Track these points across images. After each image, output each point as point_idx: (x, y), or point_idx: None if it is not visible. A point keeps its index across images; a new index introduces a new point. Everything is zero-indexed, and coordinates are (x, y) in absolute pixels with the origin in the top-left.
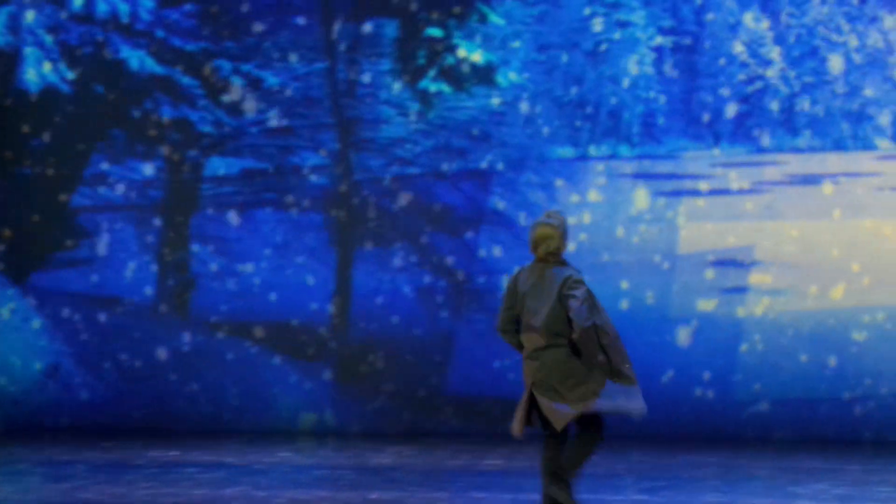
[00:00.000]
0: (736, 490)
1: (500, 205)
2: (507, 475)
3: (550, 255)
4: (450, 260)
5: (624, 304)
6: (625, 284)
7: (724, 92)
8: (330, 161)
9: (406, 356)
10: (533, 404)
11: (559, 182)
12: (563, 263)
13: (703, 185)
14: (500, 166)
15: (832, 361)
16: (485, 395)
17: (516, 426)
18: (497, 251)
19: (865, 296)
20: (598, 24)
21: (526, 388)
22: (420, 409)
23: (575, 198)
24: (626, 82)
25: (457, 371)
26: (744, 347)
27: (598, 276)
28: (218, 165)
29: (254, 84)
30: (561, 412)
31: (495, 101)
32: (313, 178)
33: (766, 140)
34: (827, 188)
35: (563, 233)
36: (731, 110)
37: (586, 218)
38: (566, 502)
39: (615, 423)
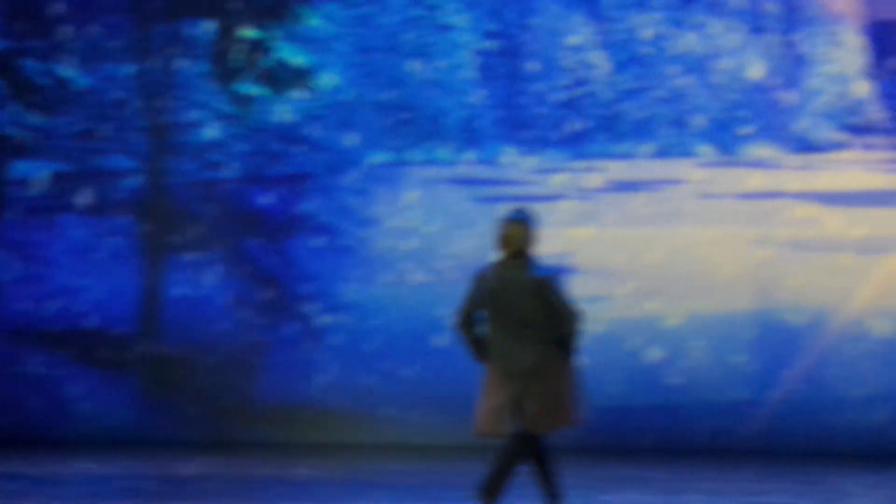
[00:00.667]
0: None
1: (317, 210)
2: (317, 485)
3: (520, 252)
4: (264, 266)
5: (440, 312)
6: (443, 290)
7: (548, 97)
8: (141, 165)
9: (216, 364)
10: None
11: (377, 187)
12: (533, 260)
13: (524, 191)
14: (316, 171)
15: (646, 368)
16: (296, 404)
17: (497, 426)
18: (313, 257)
19: (686, 302)
20: (419, 27)
21: (493, 383)
22: (229, 418)
23: (394, 203)
24: (447, 86)
25: (268, 380)
26: None
27: (419, 281)
28: (23, 168)
29: (62, 85)
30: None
31: (313, 104)
32: (123, 182)
33: (588, 146)
34: (648, 195)
35: (532, 230)
36: (553, 116)
37: (405, 224)
38: None
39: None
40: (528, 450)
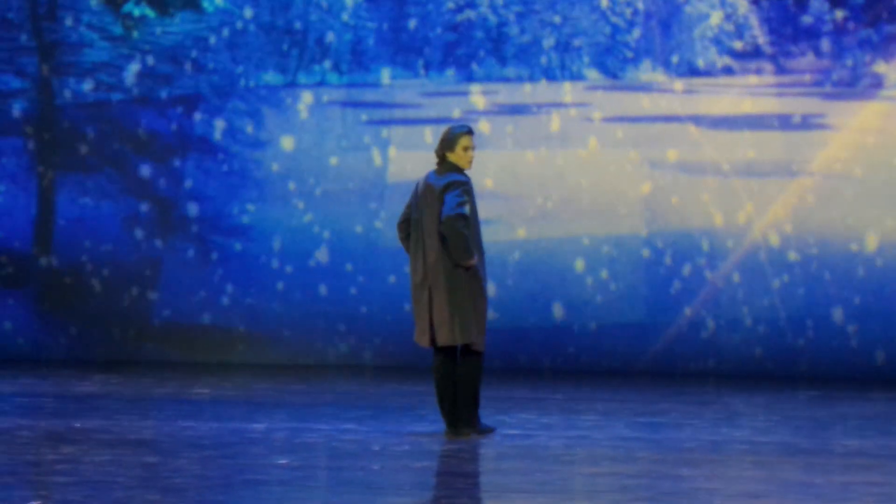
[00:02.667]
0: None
1: (207, 131)
2: (214, 404)
3: (439, 159)
4: (155, 186)
5: (327, 234)
6: (333, 210)
7: (434, 20)
8: (32, 85)
9: (111, 284)
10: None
11: (266, 109)
12: (453, 170)
13: (412, 114)
14: (206, 93)
15: (540, 290)
16: (191, 323)
17: (419, 336)
18: (203, 178)
19: (572, 225)
20: None
21: (420, 290)
22: (126, 338)
23: (283, 125)
24: (335, 9)
25: (162, 299)
26: None
27: (306, 205)
28: None
29: None
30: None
31: (201, 26)
32: (13, 102)
33: (475, 69)
34: (535, 118)
35: (444, 139)
36: (440, 39)
37: (293, 146)
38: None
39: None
40: (443, 364)
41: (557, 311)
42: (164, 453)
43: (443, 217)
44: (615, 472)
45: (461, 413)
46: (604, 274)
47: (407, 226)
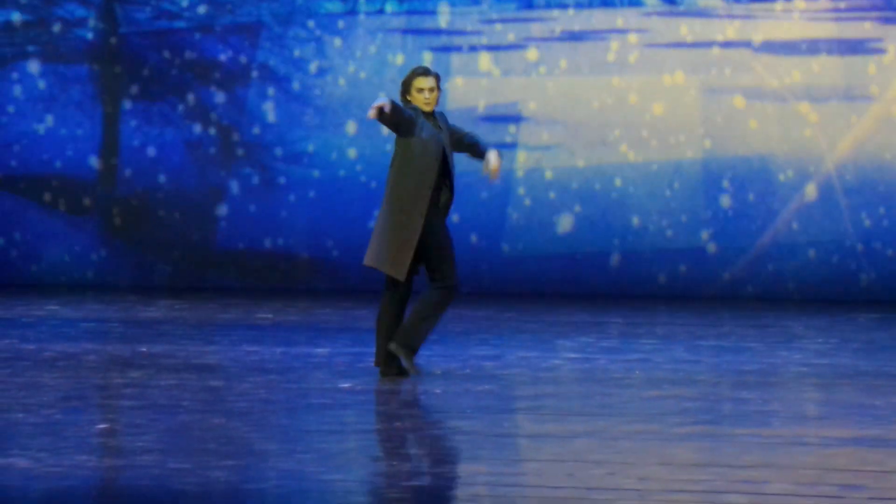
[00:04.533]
0: (505, 343)
1: (269, 60)
2: (277, 329)
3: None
4: (219, 114)
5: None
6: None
7: None
8: (95, 14)
9: (175, 210)
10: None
11: (328, 37)
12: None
13: (473, 41)
14: (267, 20)
15: (599, 217)
16: (255, 250)
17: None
18: (266, 106)
19: (634, 152)
20: None
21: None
22: (191, 264)
23: (344, 53)
24: None
25: (227, 226)
26: (513, 204)
27: (371, 129)
28: None
29: None
30: None
31: None
32: (78, 30)
33: None
34: (595, 45)
35: (402, 83)
36: None
37: (357, 73)
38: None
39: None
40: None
41: (614, 235)
42: (229, 377)
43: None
44: (675, 394)
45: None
46: (659, 198)
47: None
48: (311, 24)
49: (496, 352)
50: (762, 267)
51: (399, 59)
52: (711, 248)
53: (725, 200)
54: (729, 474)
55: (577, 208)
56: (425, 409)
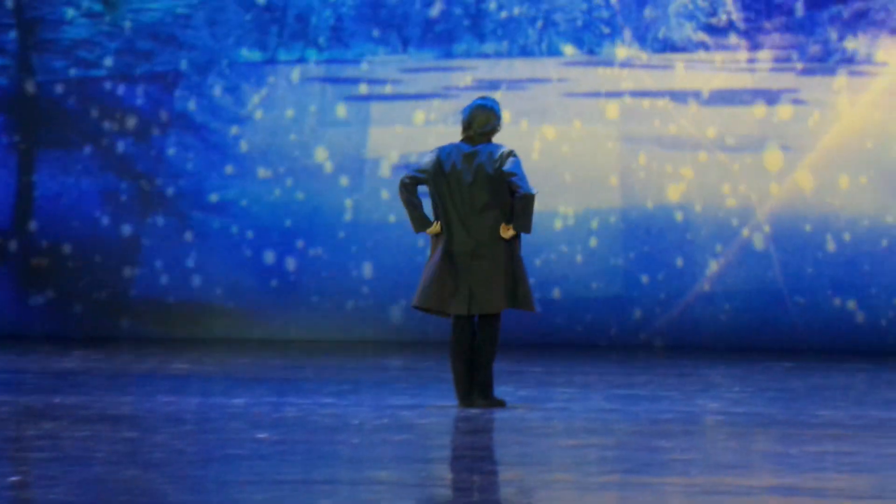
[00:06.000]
0: (423, 393)
1: (187, 108)
2: (193, 379)
3: (484, 134)
4: (135, 163)
5: (306, 211)
6: (315, 186)
7: None
8: (10, 62)
9: (91, 259)
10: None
11: (246, 86)
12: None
13: (391, 90)
14: (186, 69)
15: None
16: (171, 299)
17: (439, 302)
18: (184, 155)
19: (551, 199)
20: None
21: (442, 258)
22: (105, 314)
23: (263, 101)
24: None
25: (142, 275)
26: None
27: (290, 179)
28: None
29: None
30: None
31: (181, 2)
32: None
33: (454, 45)
34: (513, 94)
35: (495, 114)
36: (419, 15)
37: (274, 121)
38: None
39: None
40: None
41: (534, 284)
42: (144, 429)
43: (522, 192)
44: (593, 443)
45: (485, 379)
46: (580, 248)
47: (414, 187)
48: (228, 72)
49: (415, 401)
50: (681, 316)
51: (312, 108)
52: (630, 297)
53: (645, 249)
54: None
55: None
56: (342, 459)
